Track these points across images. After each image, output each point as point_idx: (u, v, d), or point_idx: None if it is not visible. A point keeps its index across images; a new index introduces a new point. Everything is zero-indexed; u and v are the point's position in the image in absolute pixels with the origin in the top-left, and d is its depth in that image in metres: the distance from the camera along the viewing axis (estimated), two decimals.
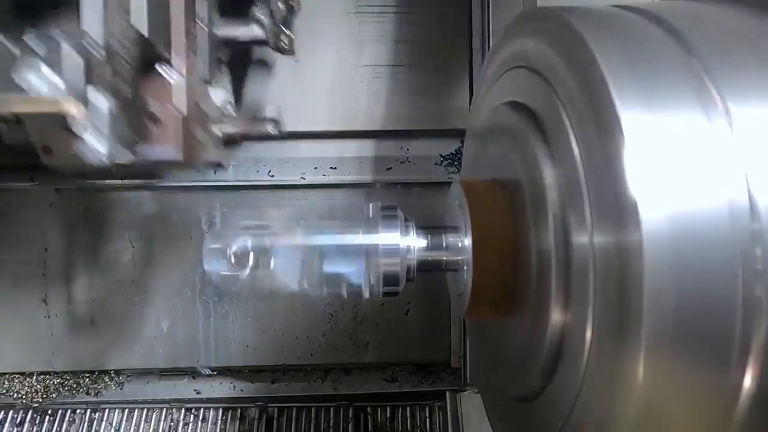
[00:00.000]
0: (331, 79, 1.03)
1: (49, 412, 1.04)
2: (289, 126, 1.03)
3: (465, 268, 0.43)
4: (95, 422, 1.03)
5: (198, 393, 1.07)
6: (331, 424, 1.03)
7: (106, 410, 1.05)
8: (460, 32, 1.03)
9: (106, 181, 1.05)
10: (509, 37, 0.44)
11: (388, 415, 1.05)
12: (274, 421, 1.03)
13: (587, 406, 0.31)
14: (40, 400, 1.05)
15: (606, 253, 0.28)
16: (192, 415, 1.04)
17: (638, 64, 0.29)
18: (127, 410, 1.05)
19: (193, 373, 1.09)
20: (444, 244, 0.45)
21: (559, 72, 0.34)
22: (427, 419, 1.04)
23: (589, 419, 0.31)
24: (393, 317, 1.08)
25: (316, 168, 1.06)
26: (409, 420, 1.04)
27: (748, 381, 0.26)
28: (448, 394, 1.04)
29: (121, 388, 1.07)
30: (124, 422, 1.03)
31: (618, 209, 0.27)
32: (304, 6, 1.02)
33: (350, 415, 1.04)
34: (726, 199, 0.27)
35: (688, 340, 0.26)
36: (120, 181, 1.04)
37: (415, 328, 1.08)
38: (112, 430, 1.02)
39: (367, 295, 0.44)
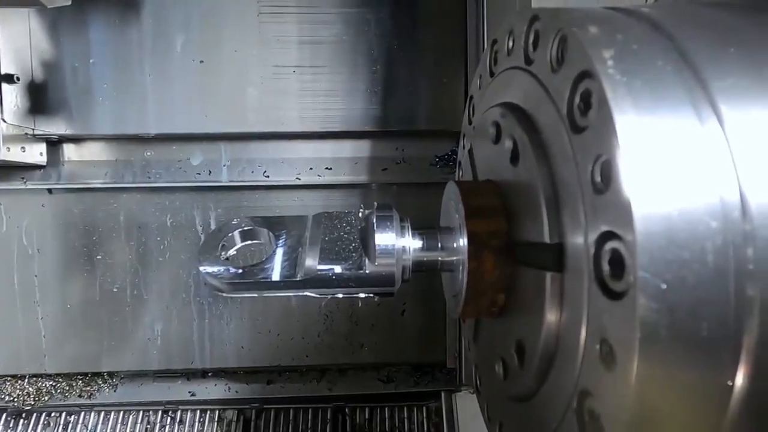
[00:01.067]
0: (333, 79, 1.03)
1: (23, 415, 1.03)
2: (287, 127, 1.03)
3: (460, 268, 0.43)
4: (70, 425, 1.02)
5: (192, 395, 1.07)
6: (310, 425, 1.02)
7: (82, 414, 1.04)
8: (456, 33, 1.03)
9: (99, 182, 1.04)
10: (503, 38, 0.44)
11: (380, 416, 1.05)
12: (252, 423, 1.03)
13: (581, 406, 0.31)
14: (32, 402, 1.04)
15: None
16: (169, 418, 1.03)
17: (632, 66, 0.30)
18: (103, 413, 1.04)
19: (188, 375, 1.08)
20: (439, 245, 0.45)
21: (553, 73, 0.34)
22: (423, 419, 1.04)
23: (584, 419, 0.31)
24: (389, 318, 1.08)
25: (311, 168, 1.05)
26: (404, 420, 1.04)
27: (740, 380, 0.27)
28: (443, 394, 1.05)
29: (114, 390, 1.07)
30: (99, 425, 1.02)
31: (611, 209, 0.28)
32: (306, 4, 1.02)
33: (329, 416, 1.03)
34: (718, 199, 0.27)
35: (681, 339, 0.26)
36: (113, 182, 1.04)
37: (410, 329, 1.08)
38: None
39: (362, 295, 0.44)
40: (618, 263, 0.27)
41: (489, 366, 0.49)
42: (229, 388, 1.08)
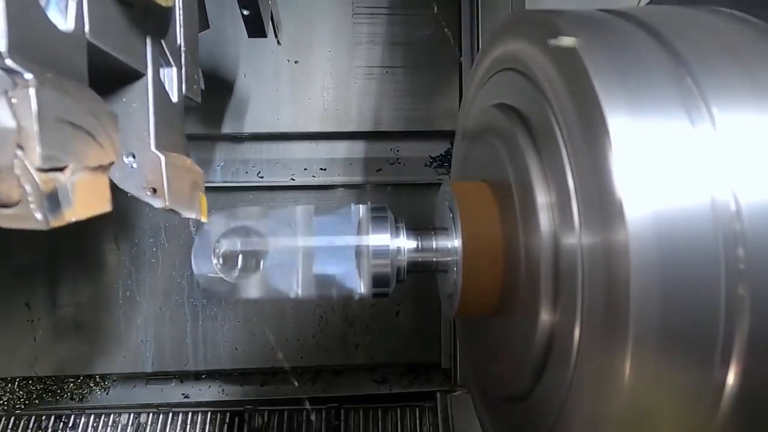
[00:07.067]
0: (324, 80, 1.03)
1: (13, 419, 1.02)
2: (284, 127, 1.03)
3: (455, 269, 0.43)
4: (59, 429, 1.01)
5: (186, 396, 1.06)
6: (304, 427, 1.02)
7: (72, 416, 1.02)
8: (451, 34, 1.03)
9: None
10: (498, 39, 0.44)
11: (375, 417, 1.04)
12: (246, 425, 1.02)
13: (576, 404, 0.31)
14: (23, 406, 1.03)
15: (593, 253, 0.29)
16: (161, 420, 1.02)
17: (625, 68, 0.30)
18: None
19: (181, 377, 1.07)
20: (434, 246, 0.46)
21: (547, 75, 0.34)
22: (418, 420, 1.04)
23: (578, 417, 0.31)
24: (383, 318, 1.08)
25: (305, 169, 1.05)
26: (399, 421, 1.04)
27: (731, 379, 0.27)
28: (438, 394, 1.05)
29: (107, 393, 1.06)
30: (90, 428, 1.01)
31: (604, 210, 0.28)
32: (300, 6, 1.02)
33: (323, 417, 1.03)
34: (709, 200, 0.27)
35: (674, 338, 0.27)
36: None
37: (405, 330, 1.08)
38: None
39: (357, 296, 0.44)
40: (610, 264, 0.27)
41: (484, 366, 0.49)
42: (223, 390, 1.07)
